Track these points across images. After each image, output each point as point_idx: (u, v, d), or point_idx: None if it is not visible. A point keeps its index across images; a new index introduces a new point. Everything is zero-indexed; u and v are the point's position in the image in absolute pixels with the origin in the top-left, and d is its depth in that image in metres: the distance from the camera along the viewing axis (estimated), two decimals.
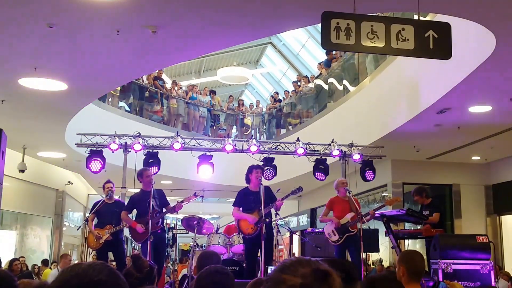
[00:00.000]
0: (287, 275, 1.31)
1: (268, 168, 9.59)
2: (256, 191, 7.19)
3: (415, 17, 4.84)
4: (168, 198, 7.63)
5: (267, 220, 7.01)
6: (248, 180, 7.42)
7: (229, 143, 9.56)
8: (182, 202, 7.33)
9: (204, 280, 2.76)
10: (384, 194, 12.44)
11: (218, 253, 3.57)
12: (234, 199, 7.65)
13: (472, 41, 6.70)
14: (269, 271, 6.72)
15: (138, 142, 9.18)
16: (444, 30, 4.58)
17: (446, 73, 7.66)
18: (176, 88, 15.16)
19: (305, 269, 1.31)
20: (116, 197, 8.19)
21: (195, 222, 8.51)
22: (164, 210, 7.35)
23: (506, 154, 11.41)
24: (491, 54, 6.33)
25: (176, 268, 11.31)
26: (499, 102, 8.00)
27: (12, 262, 9.43)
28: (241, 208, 7.33)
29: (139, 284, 2.65)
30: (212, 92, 16.41)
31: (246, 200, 7.31)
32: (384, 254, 10.65)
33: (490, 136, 9.88)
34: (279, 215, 7.38)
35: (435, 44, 4.52)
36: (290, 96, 15.79)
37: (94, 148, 9.14)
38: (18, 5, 5.52)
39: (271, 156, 9.94)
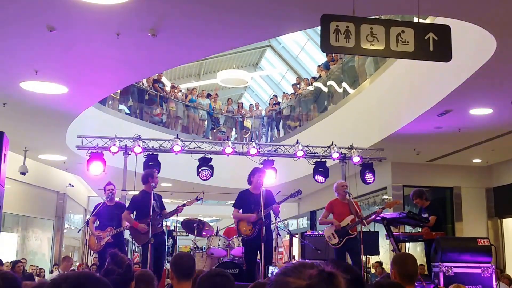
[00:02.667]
0: (291, 277, 1.29)
1: (267, 171, 9.58)
2: (256, 193, 7.20)
3: (415, 19, 4.84)
4: (168, 201, 7.64)
5: (266, 221, 7.01)
6: (250, 182, 7.43)
7: (229, 146, 9.56)
8: (183, 205, 7.34)
9: (204, 283, 2.76)
10: (384, 196, 12.42)
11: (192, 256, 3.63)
12: (234, 201, 7.65)
13: (472, 43, 6.70)
14: (269, 271, 6.71)
15: (138, 145, 9.20)
16: (444, 32, 4.58)
17: (446, 76, 7.65)
18: (175, 90, 15.17)
19: (309, 271, 1.30)
20: (116, 199, 8.20)
21: (195, 225, 8.51)
22: (165, 212, 7.36)
23: (507, 157, 11.39)
24: (492, 56, 6.32)
25: None
26: (500, 105, 7.99)
27: (15, 264, 9.45)
28: (241, 210, 7.33)
29: (121, 280, 2.67)
30: (209, 96, 16.40)
31: (246, 201, 7.31)
32: (384, 257, 10.61)
33: (491, 138, 9.86)
34: (279, 217, 7.37)
35: (435, 46, 4.52)
36: (290, 98, 15.80)
37: (95, 151, 9.16)
38: (19, 8, 5.53)
39: (270, 158, 9.94)
